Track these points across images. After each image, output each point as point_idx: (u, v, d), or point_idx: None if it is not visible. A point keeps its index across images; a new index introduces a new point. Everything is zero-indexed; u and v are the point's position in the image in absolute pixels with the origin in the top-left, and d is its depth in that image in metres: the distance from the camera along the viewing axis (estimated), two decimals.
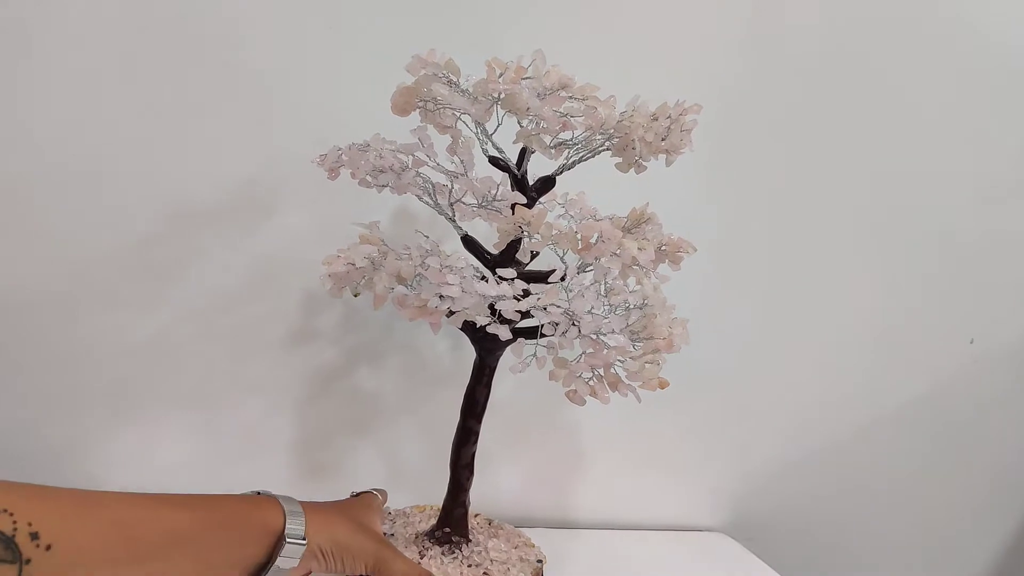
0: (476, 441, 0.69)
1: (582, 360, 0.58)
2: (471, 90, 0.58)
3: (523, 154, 0.65)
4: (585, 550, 0.91)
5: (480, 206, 0.63)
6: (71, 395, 0.79)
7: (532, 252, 0.63)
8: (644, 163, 0.62)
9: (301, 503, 0.58)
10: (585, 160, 0.64)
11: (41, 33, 0.72)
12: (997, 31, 0.97)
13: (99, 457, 0.81)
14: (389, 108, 0.62)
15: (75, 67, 0.73)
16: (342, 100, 0.79)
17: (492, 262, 0.64)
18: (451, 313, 0.58)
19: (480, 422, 0.68)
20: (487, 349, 0.67)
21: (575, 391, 0.58)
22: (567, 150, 0.62)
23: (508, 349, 0.62)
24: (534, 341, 0.58)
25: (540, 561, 0.72)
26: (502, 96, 0.58)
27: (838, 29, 0.92)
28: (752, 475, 1.03)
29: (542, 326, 0.57)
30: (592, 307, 0.57)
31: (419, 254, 0.61)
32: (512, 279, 0.58)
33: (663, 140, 0.61)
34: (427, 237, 0.64)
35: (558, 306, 0.56)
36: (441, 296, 0.56)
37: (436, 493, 0.73)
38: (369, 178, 0.62)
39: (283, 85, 0.78)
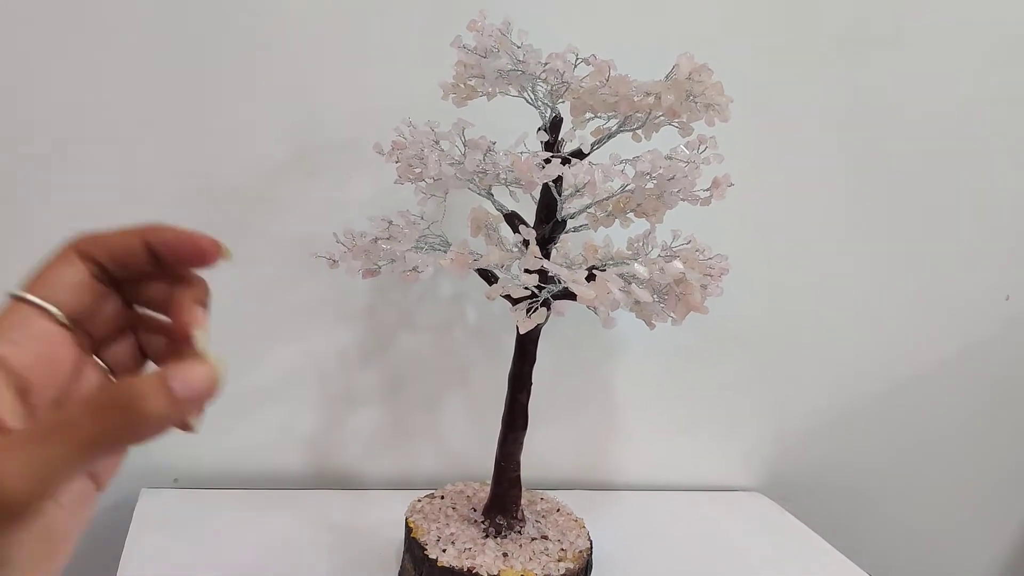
0: (527, 423, 0.68)
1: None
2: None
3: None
4: (622, 512, 0.92)
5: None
6: None
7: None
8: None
9: None
10: None
11: (73, 23, 0.72)
12: None
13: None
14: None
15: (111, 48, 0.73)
16: (373, 77, 0.79)
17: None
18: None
19: (529, 396, 0.67)
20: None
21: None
22: None
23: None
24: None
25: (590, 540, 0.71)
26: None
27: None
28: (788, 435, 1.03)
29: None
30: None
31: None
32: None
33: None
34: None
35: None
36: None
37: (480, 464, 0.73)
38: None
39: (316, 60, 0.78)
